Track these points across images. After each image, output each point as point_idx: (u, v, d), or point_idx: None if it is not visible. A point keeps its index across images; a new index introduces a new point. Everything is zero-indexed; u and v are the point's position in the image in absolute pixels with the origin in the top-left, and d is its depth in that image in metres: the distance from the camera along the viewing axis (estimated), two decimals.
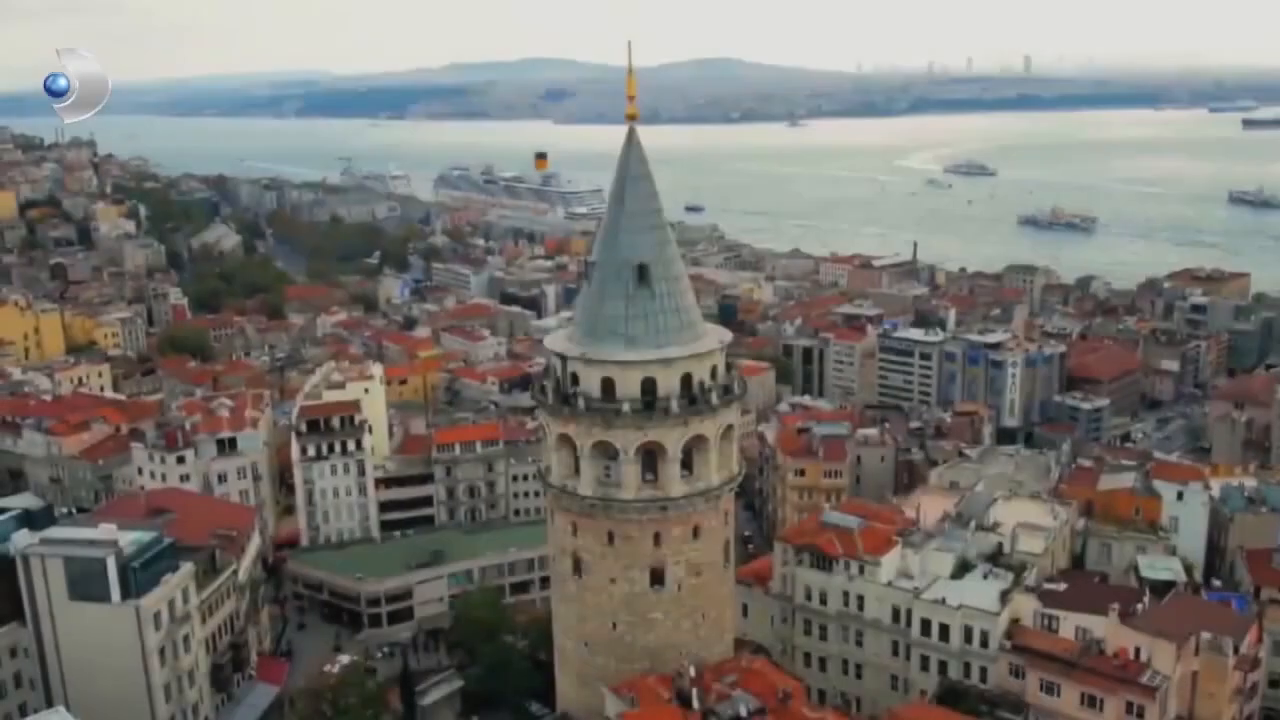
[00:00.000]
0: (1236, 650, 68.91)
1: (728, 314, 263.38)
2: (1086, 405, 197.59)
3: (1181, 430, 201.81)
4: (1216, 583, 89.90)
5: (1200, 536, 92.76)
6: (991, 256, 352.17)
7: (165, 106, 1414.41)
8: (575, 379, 64.40)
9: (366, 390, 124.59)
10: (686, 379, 63.85)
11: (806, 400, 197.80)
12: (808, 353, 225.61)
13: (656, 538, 64.98)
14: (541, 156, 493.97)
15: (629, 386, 63.01)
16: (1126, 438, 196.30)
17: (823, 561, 77.66)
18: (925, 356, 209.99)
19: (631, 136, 66.14)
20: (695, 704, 59.04)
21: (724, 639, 69.61)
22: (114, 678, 76.19)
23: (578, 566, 66.95)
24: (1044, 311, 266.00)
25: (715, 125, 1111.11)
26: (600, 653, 67.06)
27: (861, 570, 76.12)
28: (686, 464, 65.44)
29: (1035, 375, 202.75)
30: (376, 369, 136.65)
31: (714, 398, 64.22)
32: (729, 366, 67.83)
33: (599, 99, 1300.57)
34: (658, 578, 65.41)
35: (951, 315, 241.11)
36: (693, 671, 61.09)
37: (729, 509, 68.55)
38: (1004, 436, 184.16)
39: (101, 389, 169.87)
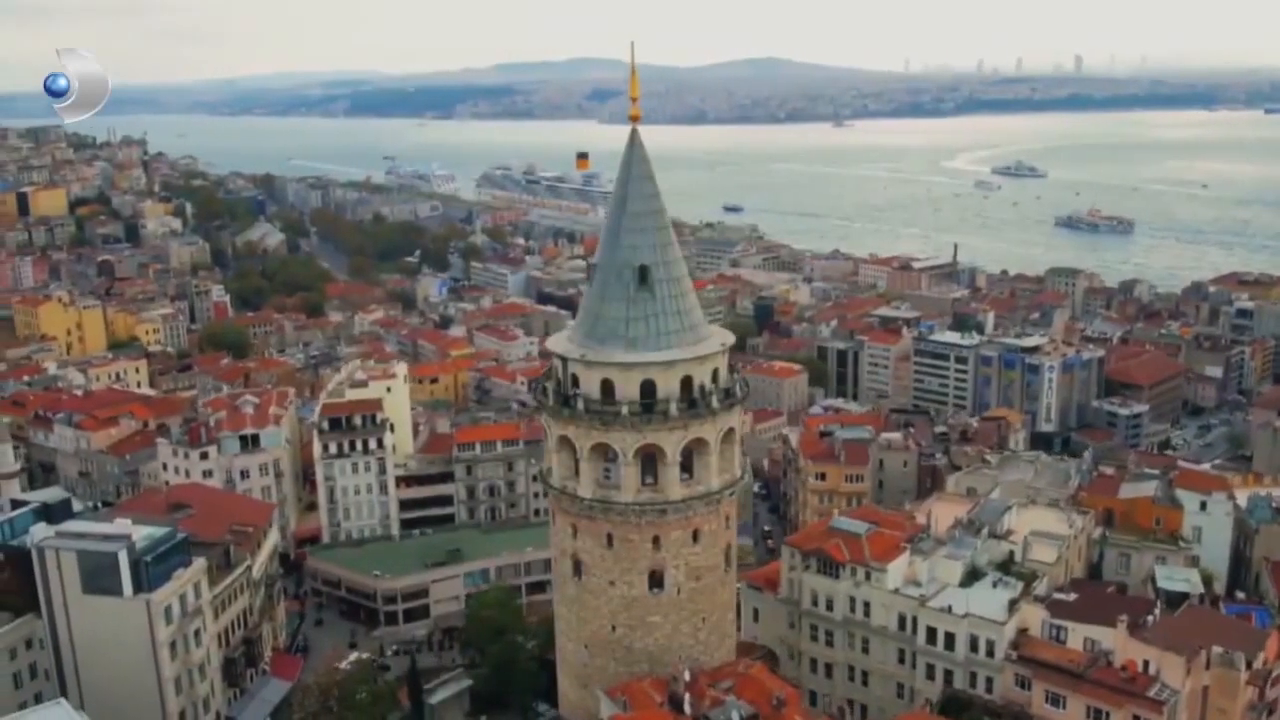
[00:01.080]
0: (1250, 665, 67.23)
1: (763, 315, 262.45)
2: (1125, 411, 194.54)
3: (1223, 438, 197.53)
4: (1240, 595, 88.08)
5: (1224, 547, 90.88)
6: (1035, 259, 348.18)
7: (217, 106, 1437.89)
8: (576, 381, 64.24)
9: (389, 389, 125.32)
10: (686, 382, 63.38)
11: (839, 403, 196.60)
12: (842, 355, 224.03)
13: (656, 541, 64.61)
14: (583, 157, 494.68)
15: (628, 389, 62.68)
16: (1166, 444, 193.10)
17: (829, 567, 76.82)
18: (961, 360, 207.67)
19: (633, 138, 66.02)
20: (687, 709, 58.63)
21: (725, 643, 69.10)
22: (125, 670, 77.01)
23: (577, 568, 66.81)
24: (1085, 315, 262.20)
25: (761, 125, 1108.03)
26: (599, 655, 66.86)
27: (868, 576, 75.15)
28: (687, 467, 65.10)
29: (1073, 380, 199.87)
30: (400, 368, 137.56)
31: (714, 401, 63.70)
32: (732, 369, 67.30)
33: (645, 99, 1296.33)
34: (657, 581, 65.07)
35: (990, 318, 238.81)
36: (687, 676, 60.62)
37: (730, 513, 67.96)
38: (1040, 442, 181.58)
39: (138, 384, 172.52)
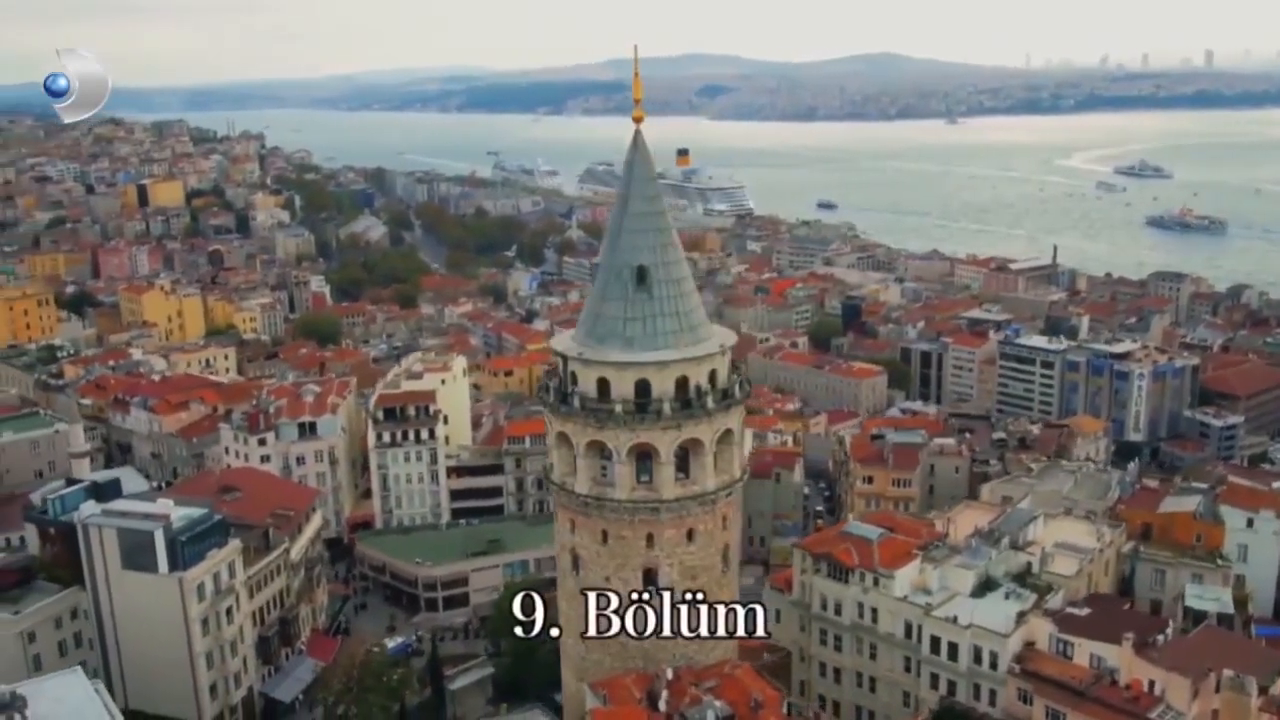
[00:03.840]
0: (1266, 691, 64.51)
1: (851, 314, 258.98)
2: (1218, 422, 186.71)
3: None
4: None
5: (1272, 567, 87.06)
6: (1142, 262, 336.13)
7: (336, 101, 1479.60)
8: (574, 378, 65.16)
9: (443, 381, 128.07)
10: (683, 382, 63.79)
11: (918, 406, 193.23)
12: (926, 357, 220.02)
13: (650, 539, 65.06)
14: (683, 153, 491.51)
15: (623, 388, 63.27)
16: (1263, 457, 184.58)
17: (839, 571, 76.26)
18: (1047, 365, 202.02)
19: (636, 139, 66.59)
20: (663, 706, 59.12)
21: (722, 644, 69.06)
22: (160, 643, 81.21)
23: (576, 563, 67.80)
24: (1189, 321, 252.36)
25: (872, 122, 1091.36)
26: (596, 650, 67.52)
27: (876, 582, 74.42)
28: (684, 467, 65.44)
29: (1164, 388, 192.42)
30: (459, 361, 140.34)
31: (709, 402, 63.82)
32: (735, 369, 67.36)
33: (755, 95, 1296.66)
34: (651, 579, 65.62)
35: (1085, 323, 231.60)
36: (670, 674, 61.10)
37: (729, 514, 67.90)
38: (1128, 451, 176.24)
39: (226, 371, 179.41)
